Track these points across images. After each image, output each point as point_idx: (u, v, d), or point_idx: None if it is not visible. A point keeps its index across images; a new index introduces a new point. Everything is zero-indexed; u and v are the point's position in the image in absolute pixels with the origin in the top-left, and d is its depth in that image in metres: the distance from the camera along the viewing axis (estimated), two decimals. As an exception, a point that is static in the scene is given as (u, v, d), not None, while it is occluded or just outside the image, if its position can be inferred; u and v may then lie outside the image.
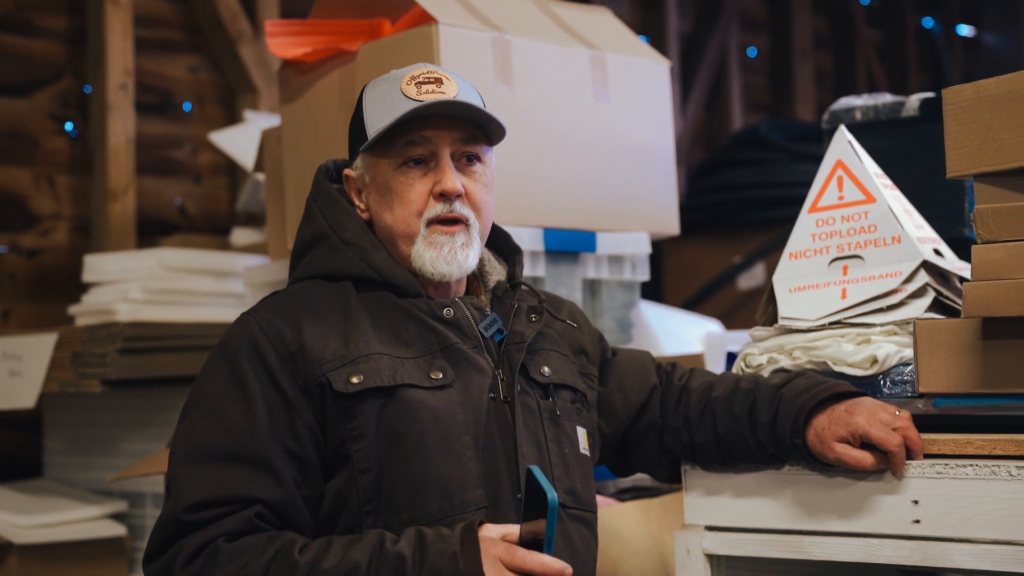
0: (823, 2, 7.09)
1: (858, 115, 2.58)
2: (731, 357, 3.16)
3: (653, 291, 5.21)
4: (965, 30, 8.19)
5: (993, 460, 1.76)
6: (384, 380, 1.74)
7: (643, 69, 2.97)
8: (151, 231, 4.12)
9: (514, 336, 1.87)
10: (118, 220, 3.94)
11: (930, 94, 2.52)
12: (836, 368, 1.97)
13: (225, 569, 1.62)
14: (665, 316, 3.61)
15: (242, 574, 1.61)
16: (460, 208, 1.84)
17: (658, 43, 5.74)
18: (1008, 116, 1.81)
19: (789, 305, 2.09)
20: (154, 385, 3.27)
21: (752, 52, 6.62)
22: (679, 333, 3.46)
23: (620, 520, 2.42)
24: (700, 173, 5.44)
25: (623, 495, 2.70)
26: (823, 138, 2.46)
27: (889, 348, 1.94)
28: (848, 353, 1.96)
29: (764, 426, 1.90)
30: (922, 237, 2.07)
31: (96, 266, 3.49)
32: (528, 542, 1.62)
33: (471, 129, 1.86)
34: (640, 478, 2.68)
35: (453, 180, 1.83)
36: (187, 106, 4.33)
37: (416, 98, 1.82)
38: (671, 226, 3.01)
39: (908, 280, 2.00)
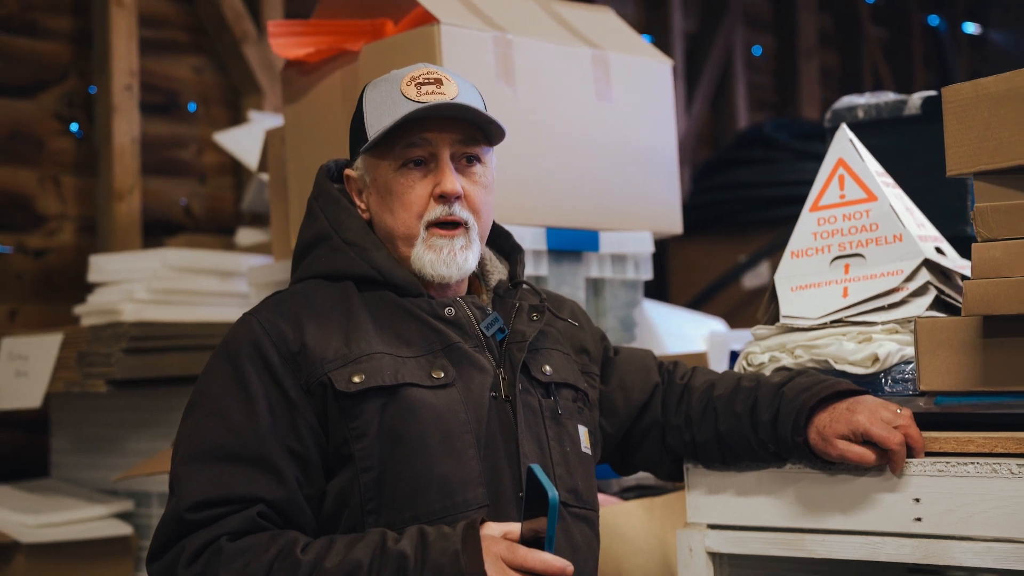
0: (828, 0, 7.07)
1: (860, 113, 2.58)
2: (735, 356, 3.15)
3: (659, 290, 5.21)
4: (971, 28, 8.16)
5: (994, 458, 1.76)
6: (386, 379, 1.74)
7: (646, 68, 2.97)
8: (156, 231, 4.12)
9: (515, 335, 1.88)
10: (123, 220, 3.95)
11: (932, 92, 2.52)
12: (837, 366, 1.97)
13: (228, 568, 1.62)
14: (669, 315, 3.61)
15: (245, 573, 1.61)
16: (459, 211, 1.84)
17: (662, 42, 5.73)
18: (1007, 114, 1.81)
19: (791, 304, 2.09)
20: (159, 385, 3.28)
21: (757, 51, 6.60)
22: (683, 332, 3.46)
23: (623, 519, 2.42)
24: (705, 172, 5.44)
25: (627, 494, 2.70)
26: (827, 137, 2.46)
27: (890, 346, 1.94)
28: (849, 351, 1.96)
29: (766, 424, 1.90)
30: (923, 235, 2.07)
31: (101, 266, 3.50)
32: (530, 540, 1.62)
33: (471, 130, 1.86)
34: (643, 477, 2.68)
35: (453, 182, 1.83)
36: (192, 107, 4.33)
37: (416, 99, 1.82)
38: (674, 225, 3.01)
39: (909, 278, 2.00)
